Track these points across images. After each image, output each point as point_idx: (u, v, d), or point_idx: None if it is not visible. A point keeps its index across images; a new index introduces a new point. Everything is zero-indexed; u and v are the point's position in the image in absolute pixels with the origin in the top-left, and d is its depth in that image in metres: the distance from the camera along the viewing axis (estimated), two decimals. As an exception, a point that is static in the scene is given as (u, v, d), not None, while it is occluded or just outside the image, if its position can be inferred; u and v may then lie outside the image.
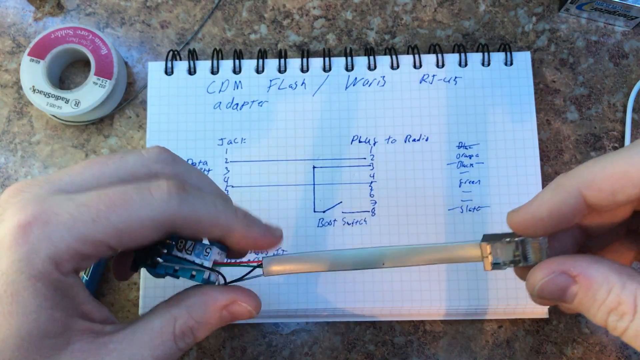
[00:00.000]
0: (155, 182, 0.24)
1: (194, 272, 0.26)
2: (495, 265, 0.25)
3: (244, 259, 0.28)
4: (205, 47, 0.44)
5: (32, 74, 0.41)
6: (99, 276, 0.40)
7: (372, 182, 0.41)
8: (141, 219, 0.23)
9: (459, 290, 0.39)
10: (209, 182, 0.27)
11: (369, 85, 0.42)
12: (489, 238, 0.26)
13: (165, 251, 0.25)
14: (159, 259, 0.25)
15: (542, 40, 0.44)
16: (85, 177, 0.24)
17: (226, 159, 0.41)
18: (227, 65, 0.42)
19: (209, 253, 0.26)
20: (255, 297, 0.27)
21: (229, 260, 0.28)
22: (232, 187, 0.41)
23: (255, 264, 0.27)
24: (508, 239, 0.25)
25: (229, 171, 0.41)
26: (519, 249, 0.25)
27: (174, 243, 0.25)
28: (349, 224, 0.40)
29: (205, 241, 0.26)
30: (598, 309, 0.23)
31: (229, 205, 0.26)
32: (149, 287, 0.39)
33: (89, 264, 0.24)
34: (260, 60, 0.42)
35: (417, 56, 0.42)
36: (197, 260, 0.25)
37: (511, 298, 0.39)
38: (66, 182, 0.24)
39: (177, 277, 0.26)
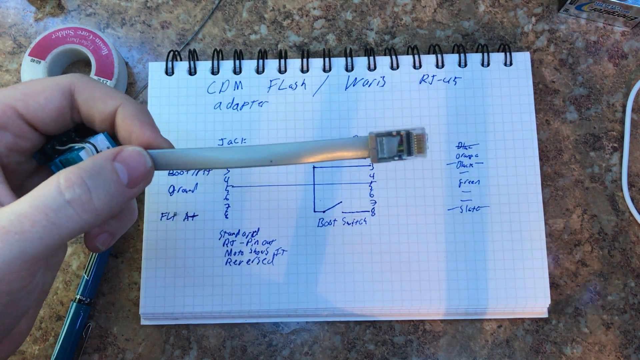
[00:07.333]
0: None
1: (80, 150, 0.27)
2: (382, 159, 0.27)
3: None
4: (205, 47, 0.44)
5: (33, 74, 0.41)
6: (100, 276, 0.40)
7: (372, 182, 0.41)
8: (43, 83, 0.27)
9: (458, 290, 0.39)
10: None
11: (369, 86, 0.42)
12: (377, 133, 0.27)
13: (65, 139, 0.28)
14: (55, 144, 0.28)
15: (542, 41, 0.44)
16: None
17: (226, 159, 0.41)
18: (227, 65, 0.42)
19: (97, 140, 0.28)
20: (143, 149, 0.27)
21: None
22: (233, 187, 0.41)
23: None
24: (395, 132, 0.27)
25: (229, 171, 0.41)
26: (403, 143, 0.27)
27: (72, 134, 0.28)
28: (349, 224, 0.40)
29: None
30: None
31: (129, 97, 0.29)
32: (149, 287, 0.39)
33: (3, 137, 0.26)
34: (261, 61, 0.42)
35: (416, 56, 0.42)
36: (91, 141, 0.28)
37: (511, 298, 0.39)
38: None
39: (71, 156, 0.27)
